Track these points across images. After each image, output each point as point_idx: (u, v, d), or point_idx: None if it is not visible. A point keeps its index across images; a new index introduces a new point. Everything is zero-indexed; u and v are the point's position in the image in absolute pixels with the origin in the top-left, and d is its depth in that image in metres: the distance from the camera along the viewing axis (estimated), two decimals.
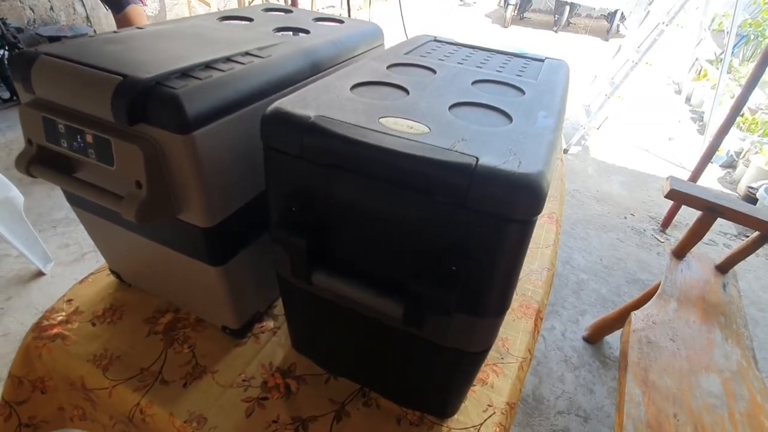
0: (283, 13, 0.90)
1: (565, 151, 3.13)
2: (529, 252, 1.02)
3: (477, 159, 0.39)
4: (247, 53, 0.62)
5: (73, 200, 0.70)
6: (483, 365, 0.74)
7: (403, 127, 0.43)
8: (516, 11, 6.94)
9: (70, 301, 0.80)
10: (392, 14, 6.63)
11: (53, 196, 2.16)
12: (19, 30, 3.21)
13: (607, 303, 1.87)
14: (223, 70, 0.55)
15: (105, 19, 3.81)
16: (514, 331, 0.82)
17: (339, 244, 0.49)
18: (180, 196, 0.54)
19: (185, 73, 0.53)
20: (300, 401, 0.67)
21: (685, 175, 2.71)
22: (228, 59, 0.59)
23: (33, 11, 3.51)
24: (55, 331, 0.74)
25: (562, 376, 1.53)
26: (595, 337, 1.68)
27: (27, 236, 1.70)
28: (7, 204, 1.62)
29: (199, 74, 0.53)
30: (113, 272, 0.83)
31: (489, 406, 0.69)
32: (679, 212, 2.37)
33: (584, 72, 4.32)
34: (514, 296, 0.90)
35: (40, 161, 0.57)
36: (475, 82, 0.59)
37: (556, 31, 6.70)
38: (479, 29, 6.59)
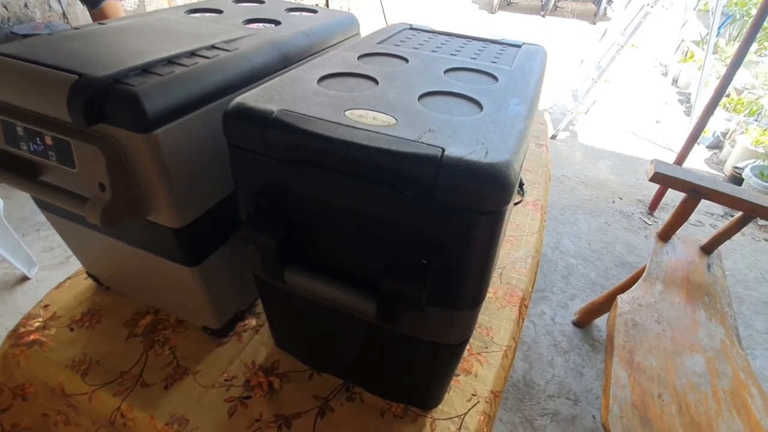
0: (254, 4, 0.88)
1: (553, 137, 3.13)
2: (513, 239, 1.03)
3: (443, 150, 0.38)
4: (213, 47, 0.60)
5: (42, 204, 0.68)
6: (467, 355, 0.75)
7: (369, 120, 0.42)
8: None
9: (46, 306, 0.78)
10: (375, 2, 6.54)
11: None
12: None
13: (596, 287, 1.88)
14: (186, 66, 0.53)
15: (82, 15, 3.70)
16: (498, 320, 0.82)
17: (310, 242, 0.48)
18: (147, 197, 0.53)
19: (145, 70, 0.51)
20: (283, 398, 0.66)
21: (672, 157, 2.73)
22: (192, 54, 0.57)
23: (6, 9, 3.40)
24: (32, 337, 0.73)
25: (552, 361, 1.55)
26: (584, 321, 1.69)
27: (9, 241, 1.67)
28: None
29: (160, 70, 0.51)
30: (90, 276, 0.82)
31: (473, 395, 0.69)
32: (666, 195, 2.39)
33: (572, 57, 4.30)
34: (498, 285, 0.90)
35: (1, 165, 0.55)
36: (447, 71, 0.58)
37: (543, 16, 6.66)
38: (466, 16, 6.53)
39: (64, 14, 3.74)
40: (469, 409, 0.66)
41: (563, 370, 1.52)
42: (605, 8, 6.33)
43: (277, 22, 0.75)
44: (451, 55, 0.66)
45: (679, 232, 1.46)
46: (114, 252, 0.68)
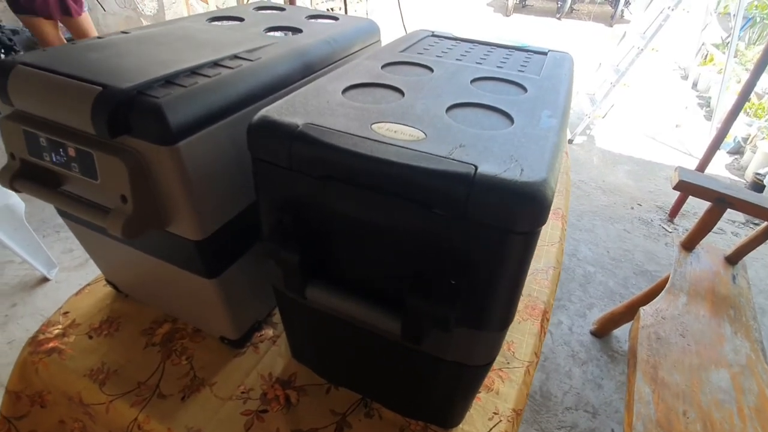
0: (276, 11, 0.87)
1: (570, 141, 3.08)
2: (535, 251, 1.01)
3: (476, 167, 0.36)
4: (235, 56, 0.59)
5: (63, 213, 0.69)
6: (490, 371, 0.73)
7: (398, 134, 0.41)
8: None
9: (66, 313, 0.79)
10: (391, 7, 6.55)
11: None
12: (15, 32, 3.19)
13: (615, 296, 1.84)
14: (209, 76, 0.52)
15: (103, 20, 3.78)
16: (520, 334, 0.80)
17: (334, 258, 0.46)
18: (168, 209, 0.52)
19: (169, 81, 0.50)
20: (300, 413, 0.65)
21: (692, 163, 2.67)
22: (215, 64, 0.56)
23: None
24: (51, 345, 0.73)
25: (570, 372, 1.51)
26: (602, 331, 1.65)
27: (30, 243, 1.69)
28: (7, 211, 1.62)
29: (183, 81, 0.50)
30: (109, 283, 0.82)
31: (495, 413, 0.67)
32: (687, 201, 2.33)
33: (588, 60, 4.24)
34: (521, 297, 0.88)
35: (23, 175, 0.55)
36: (474, 80, 0.56)
37: (559, 18, 6.59)
38: (481, 19, 6.49)
39: None
40: (491, 429, 0.64)
41: (581, 382, 1.49)
42: (622, 11, 6.24)
43: (298, 30, 0.74)
44: (477, 63, 0.64)
45: (703, 241, 1.42)
46: (133, 261, 0.68)
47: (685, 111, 3.61)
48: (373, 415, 0.66)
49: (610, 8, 6.44)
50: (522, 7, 7.20)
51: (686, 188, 1.28)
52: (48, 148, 0.51)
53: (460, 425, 0.64)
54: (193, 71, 0.53)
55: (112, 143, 0.48)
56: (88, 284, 0.85)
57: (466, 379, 0.53)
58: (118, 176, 0.48)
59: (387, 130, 0.41)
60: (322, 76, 0.57)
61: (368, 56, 0.64)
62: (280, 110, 0.44)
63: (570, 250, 2.07)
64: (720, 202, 1.27)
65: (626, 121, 3.42)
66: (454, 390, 0.55)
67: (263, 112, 0.44)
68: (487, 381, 0.71)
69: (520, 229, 0.36)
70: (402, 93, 0.51)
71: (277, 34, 0.73)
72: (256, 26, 0.75)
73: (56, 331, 0.75)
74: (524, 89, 0.55)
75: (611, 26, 6.16)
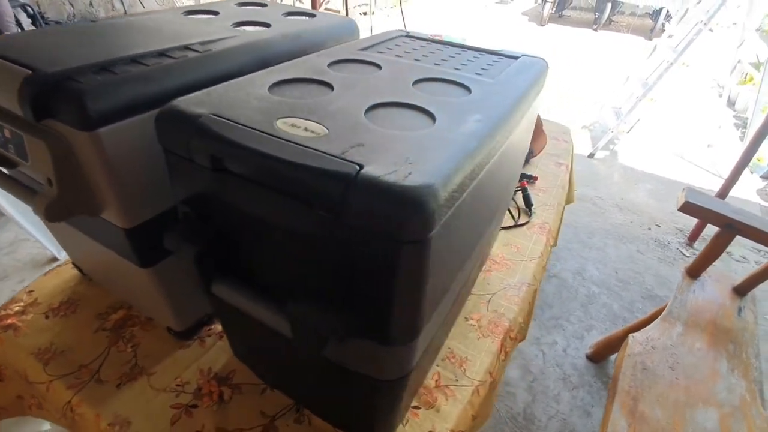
0: (256, 7, 0.87)
1: (591, 156, 2.97)
2: (510, 264, 0.96)
3: (360, 168, 0.34)
4: (186, 47, 0.59)
5: None
6: (433, 386, 0.69)
7: (298, 129, 0.39)
8: (554, 9, 6.67)
9: (31, 292, 0.81)
10: (427, 13, 6.53)
11: None
12: (58, 24, 3.37)
13: (618, 320, 1.74)
14: (147, 65, 0.52)
15: None
16: (476, 351, 0.76)
17: (238, 255, 0.45)
18: (96, 195, 0.52)
19: (104, 68, 0.50)
20: (230, 411, 0.64)
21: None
22: (160, 53, 0.56)
23: (73, 6, 3.67)
24: (9, 321, 0.75)
25: (558, 396, 1.44)
26: (599, 356, 1.57)
27: (42, 223, 1.77)
28: None
29: (118, 69, 0.50)
30: (75, 266, 0.83)
31: None
32: (708, 225, 2.18)
33: (619, 73, 4.08)
34: (484, 312, 0.84)
35: None
36: (418, 81, 0.54)
37: (595, 30, 6.39)
38: (514, 28, 6.38)
39: (125, 13, 3.99)
40: None
41: (569, 407, 1.41)
42: (663, 24, 5.98)
43: (267, 25, 0.74)
44: (435, 64, 0.62)
45: (712, 269, 1.32)
46: (86, 246, 0.69)
47: (719, 130, 3.41)
48: (303, 421, 0.64)
49: (650, 21, 6.19)
50: (558, 17, 7.03)
51: (692, 211, 1.20)
52: None
53: None
54: (134, 59, 0.53)
55: (39, 126, 0.49)
56: (59, 265, 0.87)
57: (381, 392, 0.50)
58: (44, 159, 0.48)
59: (291, 125, 0.40)
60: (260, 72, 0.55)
61: (322, 53, 0.62)
62: (193, 101, 0.43)
63: (575, 268, 1.98)
64: (728, 228, 1.18)
65: (653, 138, 3.26)
66: (372, 403, 0.52)
67: (175, 101, 0.43)
68: (429, 397, 0.68)
69: (403, 238, 0.33)
70: (332, 89, 0.49)
71: (245, 28, 0.72)
72: (227, 20, 0.75)
73: (17, 308, 0.77)
74: (469, 91, 0.52)
75: (650, 40, 5.91)
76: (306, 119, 0.41)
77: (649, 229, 2.33)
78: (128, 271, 0.63)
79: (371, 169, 0.34)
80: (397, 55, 0.64)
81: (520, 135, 0.61)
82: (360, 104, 0.45)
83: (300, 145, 0.36)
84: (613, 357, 1.56)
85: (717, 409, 0.96)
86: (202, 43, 0.61)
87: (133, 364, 0.69)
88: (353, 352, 0.45)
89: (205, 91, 0.46)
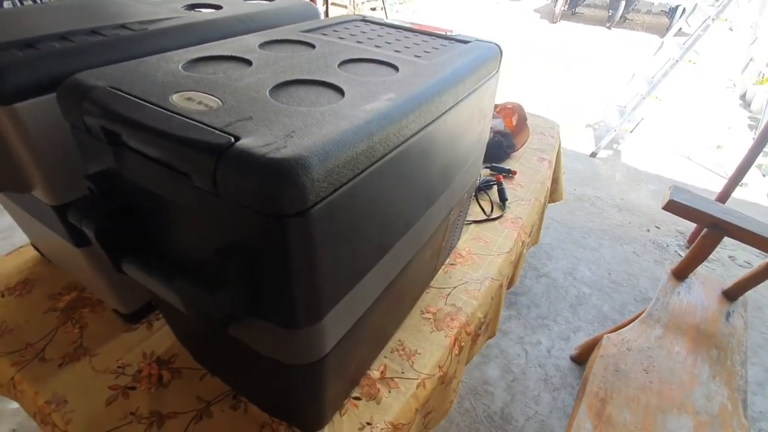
0: None
1: (593, 155, 2.90)
2: (475, 258, 0.94)
3: (234, 139, 0.33)
4: (122, 26, 0.59)
5: None
6: (377, 377, 0.68)
7: (192, 103, 0.38)
8: (566, 6, 6.55)
9: None
10: (438, 9, 6.48)
11: None
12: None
13: (607, 321, 1.70)
14: (73, 42, 0.52)
15: None
16: (427, 344, 0.74)
17: (139, 231, 0.44)
18: (23, 171, 0.52)
19: (30, 44, 0.50)
20: (167, 395, 0.64)
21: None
22: (92, 31, 0.56)
23: None
24: None
25: (538, 396, 1.41)
26: (584, 358, 1.53)
27: None
28: None
29: (43, 45, 0.50)
30: (34, 246, 0.84)
31: (367, 424, 0.62)
32: None
33: (628, 71, 3.98)
34: (442, 305, 0.82)
35: None
36: (346, 61, 0.52)
37: (609, 28, 6.25)
38: (525, 25, 6.29)
39: None
40: None
41: (549, 409, 1.38)
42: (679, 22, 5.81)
43: (218, 8, 0.73)
44: (376, 47, 0.60)
45: (699, 270, 1.28)
46: (34, 226, 0.69)
47: (729, 131, 3.30)
48: (239, 408, 0.63)
49: (666, 19, 6.03)
50: (571, 14, 6.90)
51: (677, 210, 1.16)
52: None
53: (324, 430, 0.60)
54: (63, 36, 0.53)
55: None
56: (22, 246, 0.88)
57: (297, 378, 0.49)
58: None
59: (185, 99, 0.39)
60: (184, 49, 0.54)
61: (261, 33, 0.61)
62: (95, 74, 0.42)
63: (567, 268, 1.94)
64: (715, 228, 1.13)
65: (658, 138, 3.17)
66: (291, 389, 0.51)
67: (77, 75, 0.42)
68: (371, 388, 0.66)
69: (273, 211, 0.32)
70: (249, 66, 0.48)
71: (194, 11, 0.72)
72: (179, 3, 0.74)
73: None
74: (396, 71, 0.51)
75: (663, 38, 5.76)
76: (205, 93, 0.40)
77: (648, 230, 2.26)
78: (68, 251, 0.63)
79: (247, 142, 0.33)
80: (340, 37, 0.63)
81: (463, 120, 0.59)
82: (270, 81, 0.44)
83: (185, 117, 0.35)
84: None
85: (692, 416, 0.92)
86: (141, 23, 0.61)
87: (78, 344, 0.70)
88: (258, 334, 0.44)
89: (116, 65, 0.45)
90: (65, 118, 0.43)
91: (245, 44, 0.55)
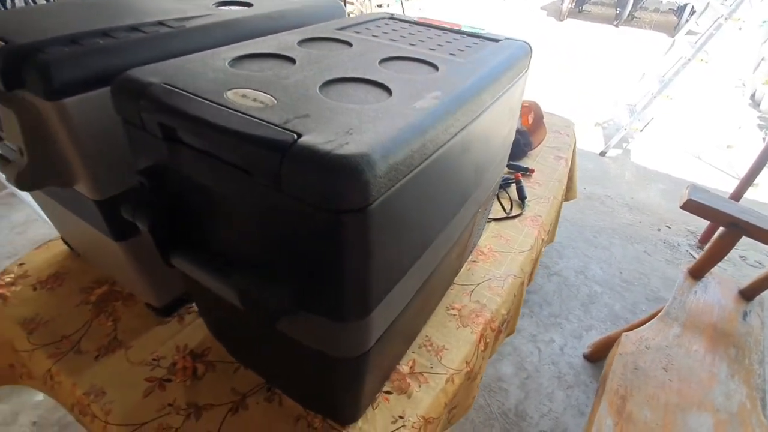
0: None
1: (603, 154, 2.90)
2: (497, 255, 0.95)
3: (297, 136, 0.33)
4: (160, 23, 0.60)
5: None
6: (407, 371, 0.69)
7: (247, 100, 0.39)
8: (573, 3, 6.52)
9: (22, 264, 0.83)
10: (445, 5, 6.45)
11: None
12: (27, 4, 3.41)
13: (619, 320, 1.70)
14: (117, 38, 0.53)
15: None
16: (454, 340, 0.75)
17: (192, 226, 0.45)
18: (68, 166, 0.53)
19: (74, 41, 0.51)
20: (202, 387, 0.65)
21: None
22: (132, 28, 0.57)
23: None
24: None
25: (552, 394, 1.42)
26: (596, 356, 1.53)
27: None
28: None
29: (88, 42, 0.51)
30: (64, 242, 0.86)
31: (399, 417, 0.63)
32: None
33: (638, 70, 3.97)
34: (467, 302, 0.83)
35: None
36: (386, 59, 0.53)
37: (616, 26, 6.22)
38: (531, 23, 6.26)
39: None
40: None
41: (563, 406, 1.39)
42: (687, 21, 5.78)
43: (249, 5, 0.74)
44: (410, 45, 0.61)
45: (717, 270, 1.28)
46: (68, 220, 0.70)
47: (739, 131, 3.28)
48: (273, 400, 0.64)
49: (675, 18, 5.99)
50: (578, 12, 6.86)
51: (695, 209, 1.16)
52: None
53: (359, 423, 0.61)
54: (105, 33, 0.54)
55: (10, 96, 0.49)
56: (50, 240, 0.89)
57: (339, 371, 0.49)
58: (14, 129, 0.49)
59: (240, 96, 0.40)
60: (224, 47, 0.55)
61: (296, 31, 0.62)
62: (148, 71, 0.43)
63: (578, 267, 1.94)
64: (733, 227, 1.14)
65: (668, 137, 3.16)
66: (332, 382, 0.52)
67: (130, 71, 0.43)
68: (402, 383, 0.67)
69: (335, 207, 0.33)
70: (293, 64, 0.49)
71: (226, 8, 0.72)
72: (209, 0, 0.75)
73: (8, 279, 0.80)
74: (435, 70, 0.51)
75: (674, 37, 5.73)
76: (258, 90, 0.41)
77: (659, 230, 2.26)
78: (105, 245, 0.64)
79: (309, 139, 0.33)
80: (373, 35, 0.64)
81: (496, 119, 0.60)
82: (317, 79, 0.45)
83: (244, 114, 0.36)
84: None
85: (712, 414, 0.92)
86: (177, 20, 0.61)
87: (112, 337, 0.71)
88: (307, 327, 0.45)
89: (164, 62, 0.46)
90: (117, 113, 0.43)
91: (284, 42, 0.56)
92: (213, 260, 0.42)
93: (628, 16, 6.22)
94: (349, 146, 0.33)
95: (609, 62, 4.67)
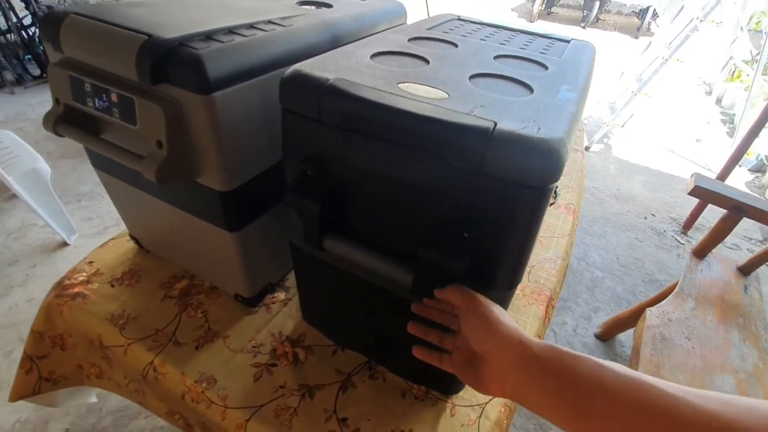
0: None
1: (587, 149, 3.06)
2: (543, 240, 1.02)
3: (495, 123, 0.38)
4: (270, 22, 0.62)
5: (98, 164, 0.72)
6: None
7: (422, 92, 0.43)
8: (543, 5, 6.79)
9: (91, 263, 0.83)
10: (415, 4, 6.55)
11: (79, 170, 2.23)
12: (50, 8, 3.28)
13: (622, 301, 1.83)
14: (245, 36, 0.55)
15: None
16: (525, 317, 0.82)
17: (352, 211, 0.49)
18: (199, 158, 0.55)
19: (208, 37, 0.53)
20: (307, 370, 0.68)
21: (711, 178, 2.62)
22: (251, 26, 0.59)
23: None
24: (76, 290, 0.77)
25: None
26: (607, 335, 1.65)
27: (53, 207, 1.76)
28: (35, 175, 1.68)
29: (221, 38, 0.53)
30: (133, 238, 0.85)
31: None
32: (702, 215, 2.30)
33: (611, 69, 4.20)
34: (527, 282, 0.89)
35: (66, 120, 0.58)
36: (497, 57, 0.58)
37: (584, 27, 6.53)
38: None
39: None
40: (491, 399, 0.66)
41: None
42: (649, 23, 6.16)
43: (328, 6, 0.77)
44: (500, 44, 0.66)
45: (716, 251, 1.41)
46: (159, 214, 0.71)
47: (707, 126, 3.56)
48: (377, 377, 0.68)
49: (637, 20, 6.36)
50: (547, 14, 7.16)
51: (702, 194, 1.28)
52: (92, 93, 0.55)
53: (461, 393, 0.66)
54: (231, 30, 0.56)
55: (152, 90, 0.51)
56: (112, 238, 0.89)
57: None
58: (156, 122, 0.51)
59: (413, 89, 0.44)
60: (351, 44, 0.59)
61: (394, 30, 0.66)
62: (312, 66, 0.46)
63: (579, 254, 2.06)
64: (736, 210, 1.26)
65: (645, 132, 3.39)
66: None
67: (296, 66, 0.46)
68: None
69: (533, 184, 0.38)
70: (427, 62, 0.53)
71: (308, 7, 0.75)
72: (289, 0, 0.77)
73: (81, 278, 0.79)
74: (545, 67, 0.57)
75: (636, 38, 6.08)
76: (424, 85, 0.45)
77: (645, 218, 2.43)
78: (209, 237, 0.66)
79: (505, 125, 0.38)
80: (462, 35, 0.69)
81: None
82: (461, 74, 0.49)
83: (434, 105, 0.40)
84: (620, 336, 1.65)
85: (732, 374, 1.04)
86: (282, 19, 0.64)
87: (206, 328, 0.72)
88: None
89: (316, 58, 0.50)
90: (283, 105, 0.46)
91: (397, 41, 0.60)
92: (382, 245, 0.46)
93: (594, 18, 6.54)
94: (543, 131, 0.38)
95: None
